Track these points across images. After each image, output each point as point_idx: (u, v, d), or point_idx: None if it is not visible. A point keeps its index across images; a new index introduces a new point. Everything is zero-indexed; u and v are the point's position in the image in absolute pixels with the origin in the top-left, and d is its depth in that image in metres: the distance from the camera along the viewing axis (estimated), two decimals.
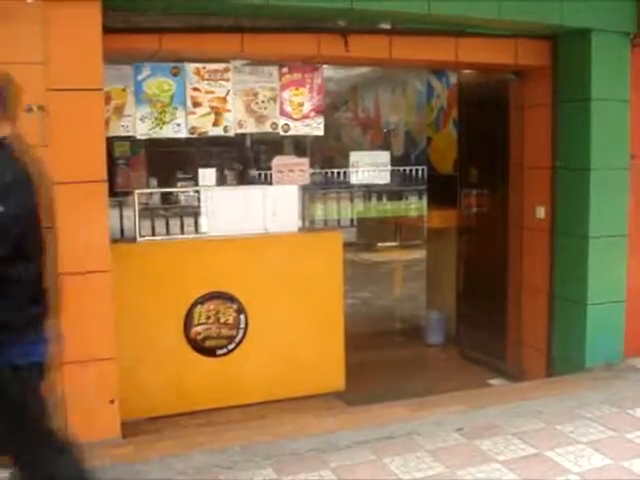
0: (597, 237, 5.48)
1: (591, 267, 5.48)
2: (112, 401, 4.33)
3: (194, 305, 5.17)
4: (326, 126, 5.57)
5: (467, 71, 6.62)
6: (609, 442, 4.37)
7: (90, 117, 4.20)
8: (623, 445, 4.32)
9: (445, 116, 7.45)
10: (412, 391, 5.42)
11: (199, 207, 5.47)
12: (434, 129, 7.70)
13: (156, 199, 12.33)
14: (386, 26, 5.11)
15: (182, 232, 10.79)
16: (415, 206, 7.78)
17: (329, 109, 6.21)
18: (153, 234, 8.79)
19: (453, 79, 7.18)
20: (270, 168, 5.58)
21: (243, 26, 4.80)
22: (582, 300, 5.54)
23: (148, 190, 5.65)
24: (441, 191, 7.35)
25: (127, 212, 8.70)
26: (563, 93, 5.63)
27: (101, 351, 4.29)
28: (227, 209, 5.30)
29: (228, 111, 5.20)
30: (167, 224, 11.98)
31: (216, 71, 5.14)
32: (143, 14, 4.55)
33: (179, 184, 10.89)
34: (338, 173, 14.55)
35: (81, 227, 4.17)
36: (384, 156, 6.36)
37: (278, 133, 5.45)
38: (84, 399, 4.24)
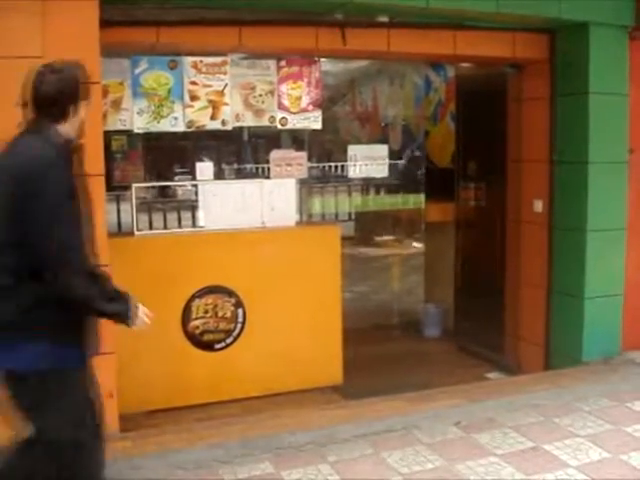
0: (595, 231, 5.48)
1: (589, 261, 5.48)
2: (111, 395, 4.32)
3: (192, 299, 5.17)
4: (324, 120, 5.56)
5: (465, 64, 6.61)
6: (607, 435, 4.37)
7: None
8: (621, 438, 4.33)
9: (443, 109, 7.44)
10: (410, 385, 5.43)
11: (196, 201, 5.46)
12: (432, 122, 7.69)
13: (154, 193, 12.31)
14: (384, 19, 5.10)
15: (180, 226, 10.76)
16: (413, 200, 7.78)
17: (327, 103, 6.19)
18: (151, 228, 8.75)
19: (451, 72, 7.17)
20: (268, 161, 5.57)
21: (241, 19, 4.78)
22: (580, 294, 5.54)
23: (145, 184, 5.63)
24: (439, 185, 7.35)
25: (124, 206, 8.67)
26: (561, 86, 5.62)
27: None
28: (225, 203, 5.29)
29: (226, 104, 5.20)
30: (165, 218, 11.96)
31: (214, 64, 5.13)
32: (140, 7, 4.53)
33: (177, 178, 10.88)
34: (336, 167, 14.51)
35: None
36: (382, 149, 6.35)
37: (276, 127, 5.44)
38: None
